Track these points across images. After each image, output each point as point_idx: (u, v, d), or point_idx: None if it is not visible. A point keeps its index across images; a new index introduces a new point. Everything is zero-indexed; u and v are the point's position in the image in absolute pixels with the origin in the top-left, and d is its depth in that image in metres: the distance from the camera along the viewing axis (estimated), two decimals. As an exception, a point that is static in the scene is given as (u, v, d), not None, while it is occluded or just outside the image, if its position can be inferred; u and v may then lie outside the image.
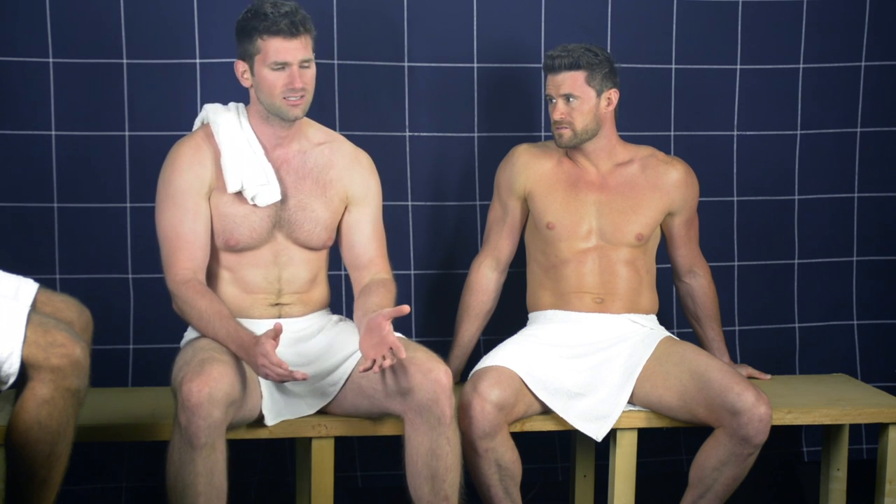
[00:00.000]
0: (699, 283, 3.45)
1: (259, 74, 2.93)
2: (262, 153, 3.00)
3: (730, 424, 3.06)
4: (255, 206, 2.98)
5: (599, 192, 3.31)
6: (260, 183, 2.97)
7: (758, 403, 3.03)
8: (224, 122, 3.02)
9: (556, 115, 3.24)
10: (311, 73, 2.95)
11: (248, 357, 2.82)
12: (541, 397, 3.14)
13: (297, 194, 3.03)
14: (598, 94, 3.24)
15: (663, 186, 3.34)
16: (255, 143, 3.01)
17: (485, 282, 3.40)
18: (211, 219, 2.98)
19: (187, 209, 2.95)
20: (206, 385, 2.69)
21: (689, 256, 3.43)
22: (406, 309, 2.83)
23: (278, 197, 2.98)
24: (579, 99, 3.23)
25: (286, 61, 2.90)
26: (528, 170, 3.34)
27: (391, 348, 2.79)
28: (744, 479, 3.15)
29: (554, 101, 3.25)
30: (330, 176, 3.06)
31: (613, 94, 3.28)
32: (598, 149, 3.31)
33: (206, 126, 3.05)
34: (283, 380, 2.79)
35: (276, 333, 2.77)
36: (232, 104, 3.08)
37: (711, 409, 3.09)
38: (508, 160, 3.38)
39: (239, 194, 2.98)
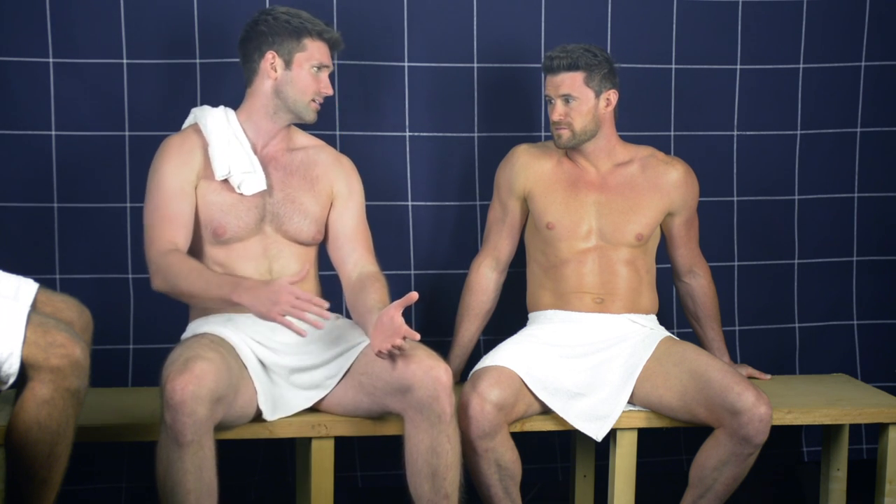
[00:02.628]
0: (699, 283, 3.45)
1: (296, 72, 3.04)
2: (248, 146, 3.07)
3: (730, 424, 3.05)
4: (241, 195, 3.02)
5: (599, 193, 3.31)
6: (245, 170, 3.02)
7: (758, 403, 3.03)
8: (212, 118, 3.09)
9: (555, 116, 3.25)
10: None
11: (256, 299, 2.82)
12: (541, 397, 3.14)
13: (286, 188, 3.09)
14: (597, 94, 3.25)
15: (663, 186, 3.34)
16: (243, 137, 3.08)
17: (484, 282, 3.40)
18: (197, 207, 3.02)
19: (174, 192, 3.00)
20: (190, 382, 2.70)
21: (689, 256, 3.43)
22: (415, 296, 2.86)
23: (263, 186, 3.04)
24: (578, 100, 3.23)
25: (327, 65, 3.06)
26: (528, 170, 3.34)
27: (404, 337, 2.82)
28: (744, 478, 3.15)
29: (553, 101, 3.25)
30: (316, 172, 3.13)
31: (612, 95, 3.28)
32: (597, 149, 3.31)
33: (195, 124, 3.12)
34: (303, 311, 2.79)
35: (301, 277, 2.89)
36: (220, 106, 3.13)
37: (711, 410, 3.09)
38: (508, 160, 3.38)
39: (226, 184, 3.03)
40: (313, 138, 3.22)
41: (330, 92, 3.08)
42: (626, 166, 3.34)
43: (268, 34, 3.04)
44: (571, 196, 3.31)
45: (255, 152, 3.08)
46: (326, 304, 2.82)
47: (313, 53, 3.05)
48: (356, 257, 3.13)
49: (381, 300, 2.99)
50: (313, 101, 3.07)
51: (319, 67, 3.06)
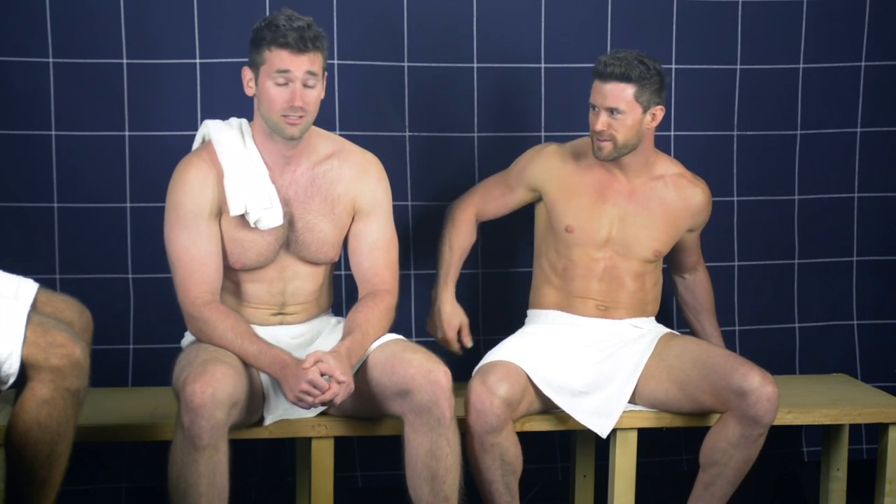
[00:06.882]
0: (699, 277, 3.48)
1: (262, 86, 2.86)
2: (266, 174, 2.95)
3: (738, 406, 3.05)
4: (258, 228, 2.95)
5: (626, 203, 3.26)
6: (264, 207, 2.92)
7: (764, 383, 3.03)
8: (227, 140, 2.96)
9: (598, 126, 3.15)
10: (315, 93, 2.87)
11: (283, 376, 2.83)
12: (546, 394, 3.13)
13: (306, 215, 2.99)
14: (645, 110, 3.15)
15: (690, 208, 3.31)
16: (260, 163, 2.96)
17: (471, 223, 3.38)
18: (222, 239, 2.96)
19: (200, 233, 2.91)
20: (210, 386, 2.68)
21: (694, 259, 3.46)
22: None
23: (280, 221, 2.94)
24: (624, 114, 3.13)
25: (289, 70, 2.82)
26: (549, 171, 3.28)
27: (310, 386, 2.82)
28: (753, 462, 3.13)
29: (597, 110, 3.16)
30: (338, 191, 3.02)
31: (659, 112, 3.18)
32: (633, 161, 3.24)
33: (209, 144, 2.99)
34: (321, 404, 2.82)
35: (315, 361, 2.81)
36: (234, 120, 3.03)
37: (717, 394, 3.08)
38: (535, 153, 3.33)
39: (245, 218, 2.94)
40: (337, 140, 3.08)
41: (298, 103, 2.83)
42: (657, 181, 3.29)
43: (249, 48, 2.89)
44: (597, 203, 3.26)
45: (273, 175, 2.96)
46: (338, 391, 2.82)
47: (273, 63, 2.82)
48: (371, 275, 3.05)
49: (366, 319, 2.95)
50: (284, 115, 2.85)
51: (283, 77, 2.83)
